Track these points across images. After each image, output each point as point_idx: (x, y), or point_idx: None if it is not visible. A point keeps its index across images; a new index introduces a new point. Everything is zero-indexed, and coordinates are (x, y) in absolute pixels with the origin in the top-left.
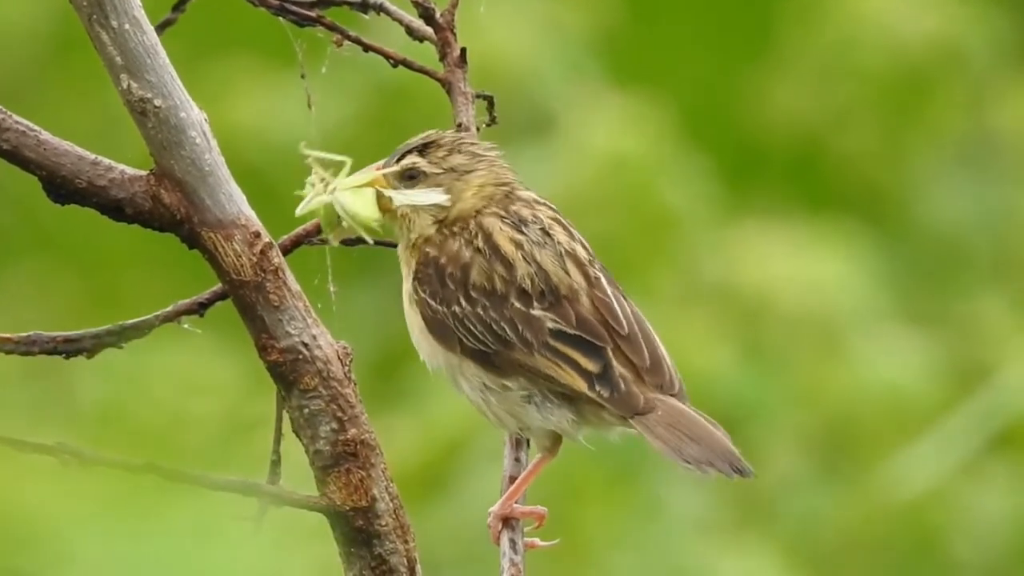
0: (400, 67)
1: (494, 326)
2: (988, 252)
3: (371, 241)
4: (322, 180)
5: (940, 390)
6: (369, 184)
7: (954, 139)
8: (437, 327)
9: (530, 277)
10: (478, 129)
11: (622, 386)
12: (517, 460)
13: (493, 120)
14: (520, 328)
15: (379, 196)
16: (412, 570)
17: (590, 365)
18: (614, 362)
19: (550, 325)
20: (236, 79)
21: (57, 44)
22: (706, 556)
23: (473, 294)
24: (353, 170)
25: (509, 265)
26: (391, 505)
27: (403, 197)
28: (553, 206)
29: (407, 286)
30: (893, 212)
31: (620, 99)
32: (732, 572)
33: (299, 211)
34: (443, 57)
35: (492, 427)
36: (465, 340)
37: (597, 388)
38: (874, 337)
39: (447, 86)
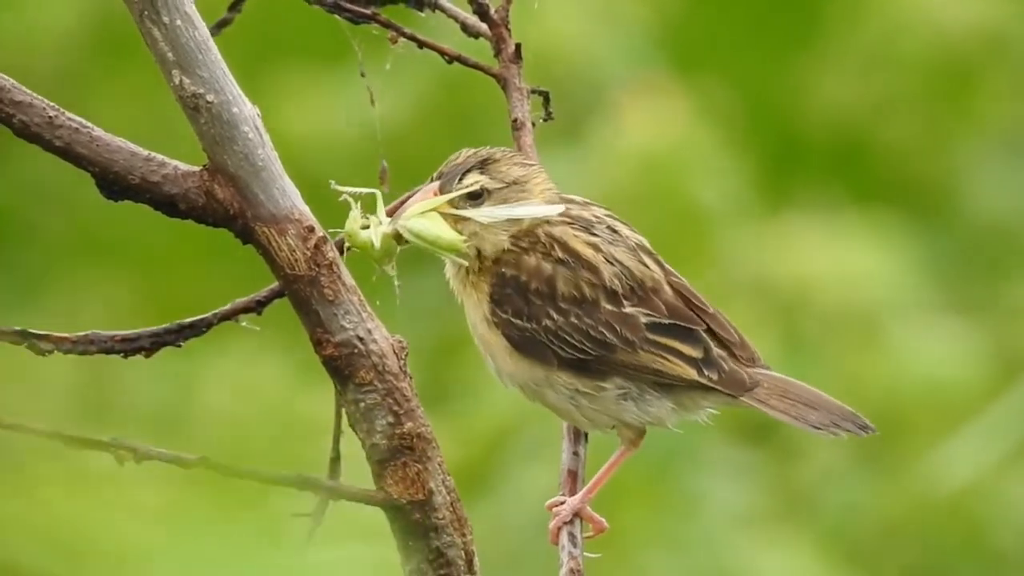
0: (455, 63)
1: (592, 332)
2: None
3: (465, 263)
4: (365, 215)
5: (983, 380)
6: (436, 209)
7: (998, 128)
8: (526, 344)
9: (617, 277)
10: (533, 125)
11: (725, 366)
12: (575, 454)
13: (549, 115)
14: (619, 329)
15: (446, 219)
16: (470, 563)
17: (692, 351)
18: (711, 343)
19: (644, 320)
20: (289, 84)
21: (107, 42)
22: (746, 552)
23: (563, 305)
24: (387, 201)
25: (594, 269)
26: (448, 498)
27: (492, 215)
28: (602, 205)
29: (480, 311)
30: (938, 202)
31: (674, 90)
32: (772, 567)
33: (376, 247)
34: (498, 53)
35: (538, 423)
36: (561, 352)
37: (706, 373)
38: (916, 328)
39: (502, 82)
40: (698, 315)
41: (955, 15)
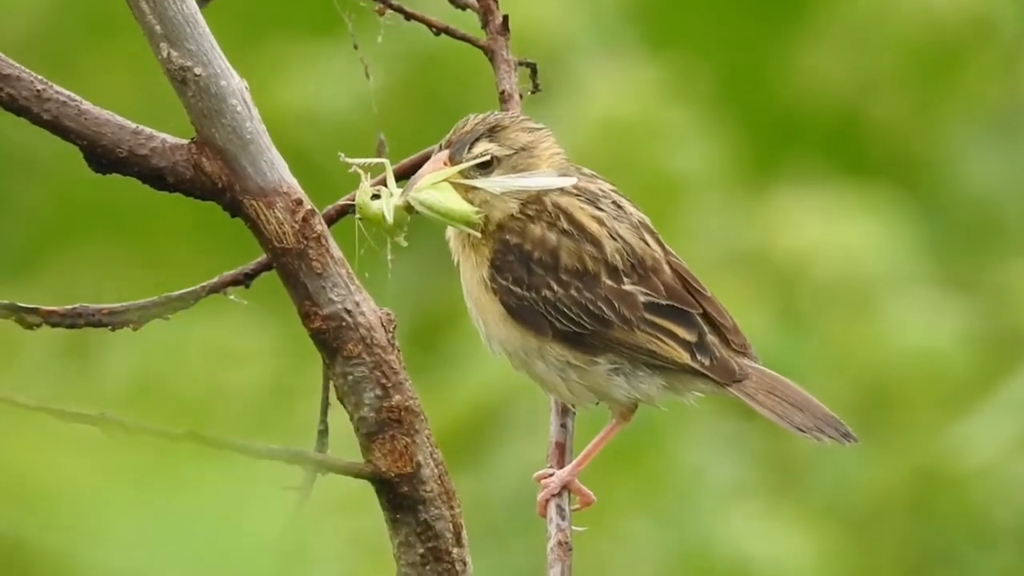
0: (442, 35)
1: (590, 306)
2: (1021, 218)
3: (478, 234)
4: (376, 186)
5: (973, 355)
6: (447, 180)
7: (986, 107)
8: (523, 313)
9: (619, 253)
10: (521, 97)
11: (717, 353)
12: (563, 426)
13: (536, 88)
14: (617, 305)
15: (456, 188)
16: (458, 536)
17: (687, 335)
18: (705, 328)
19: (643, 299)
20: (276, 56)
21: (94, 15)
22: (735, 525)
23: (564, 277)
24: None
25: (597, 244)
26: (436, 471)
27: (503, 185)
28: (606, 178)
29: (479, 274)
30: (926, 180)
31: (652, 65)
32: (761, 541)
33: (389, 221)
34: (485, 25)
35: (526, 396)
36: (558, 323)
37: (699, 357)
38: (908, 302)
39: (490, 54)
40: (695, 298)
41: None
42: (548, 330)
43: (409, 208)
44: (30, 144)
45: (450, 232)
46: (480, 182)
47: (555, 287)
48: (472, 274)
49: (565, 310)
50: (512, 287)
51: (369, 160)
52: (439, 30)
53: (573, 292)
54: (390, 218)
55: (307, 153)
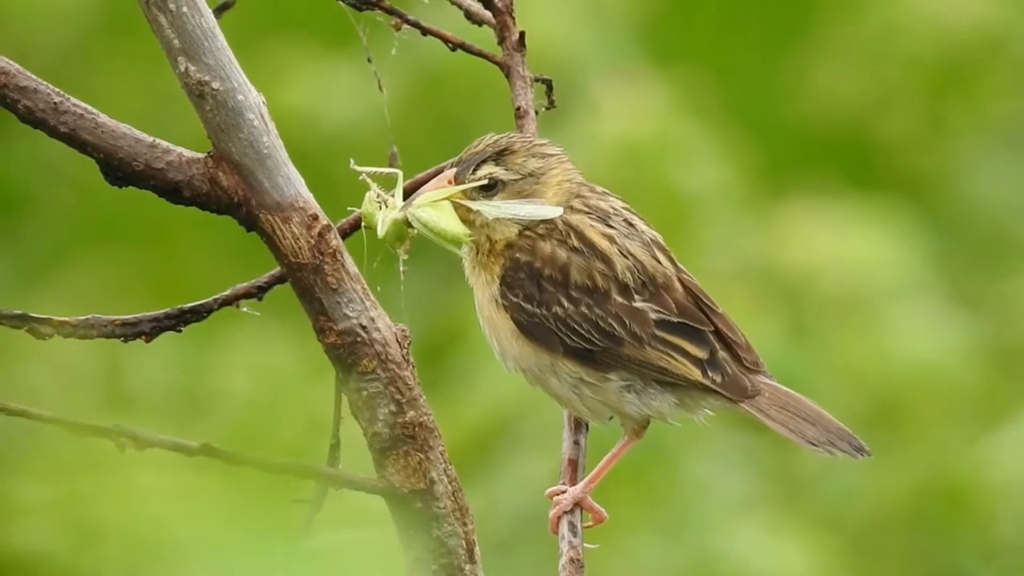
0: (458, 51)
1: (601, 323)
2: None
3: (461, 254)
4: (382, 196)
5: (980, 370)
6: (447, 199)
7: (997, 123)
8: (534, 330)
9: (629, 271)
10: (536, 113)
11: (729, 370)
12: (576, 443)
13: (552, 104)
14: (628, 323)
15: (457, 208)
16: (471, 552)
17: (699, 352)
18: (717, 345)
19: (654, 316)
20: (290, 61)
21: (108, 23)
22: (742, 539)
23: (575, 294)
24: (405, 180)
25: (607, 261)
26: (450, 487)
27: (498, 210)
28: (620, 197)
29: (491, 291)
30: (936, 195)
31: (662, 82)
32: (768, 555)
33: (380, 233)
34: (501, 41)
35: (538, 412)
36: (568, 340)
37: (710, 375)
38: (916, 316)
39: (506, 70)
40: (707, 315)
41: (954, 9)
42: (559, 347)
43: (408, 223)
44: (52, 149)
45: (464, 250)
46: (478, 204)
47: (566, 304)
48: (483, 292)
49: (576, 327)
50: (523, 304)
51: (381, 170)
52: (456, 46)
53: (584, 309)
54: (382, 231)
55: (320, 166)
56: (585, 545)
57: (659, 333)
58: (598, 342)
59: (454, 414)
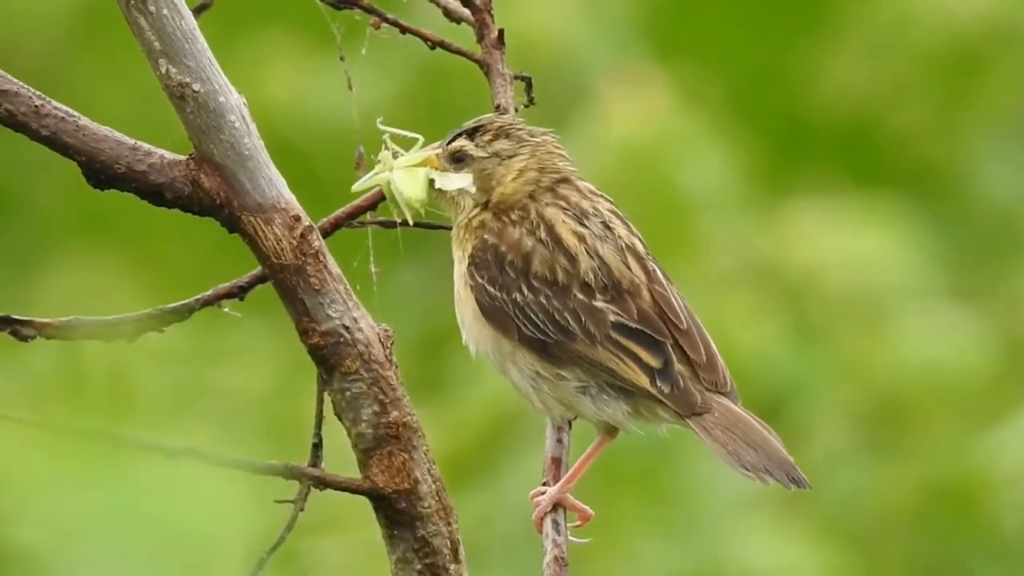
0: (438, 49)
1: (556, 316)
2: None
3: (411, 222)
4: (387, 157)
5: (988, 366)
6: (422, 164)
7: (1007, 116)
8: (494, 313)
9: (593, 271)
10: (516, 110)
11: (681, 383)
12: (559, 441)
13: (531, 101)
14: (583, 319)
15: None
16: (455, 552)
17: (652, 360)
18: (674, 358)
19: (612, 318)
20: (272, 56)
21: (88, 25)
22: (743, 539)
23: (535, 283)
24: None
25: (572, 258)
26: (434, 487)
27: (441, 179)
28: (610, 198)
29: (460, 268)
30: (946, 189)
31: (663, 76)
32: (769, 556)
33: (355, 187)
34: (481, 39)
35: (528, 413)
36: (524, 328)
37: (658, 384)
38: (922, 314)
39: (485, 68)
40: (669, 328)
41: (964, 4)
42: (515, 333)
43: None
44: (40, 148)
45: (454, 230)
46: (435, 174)
47: (525, 291)
48: (457, 268)
49: (532, 315)
50: (487, 286)
51: (405, 132)
52: (434, 44)
53: (542, 299)
54: (361, 184)
55: (294, 152)
56: (574, 540)
57: (614, 335)
58: (552, 334)
59: (455, 411)
